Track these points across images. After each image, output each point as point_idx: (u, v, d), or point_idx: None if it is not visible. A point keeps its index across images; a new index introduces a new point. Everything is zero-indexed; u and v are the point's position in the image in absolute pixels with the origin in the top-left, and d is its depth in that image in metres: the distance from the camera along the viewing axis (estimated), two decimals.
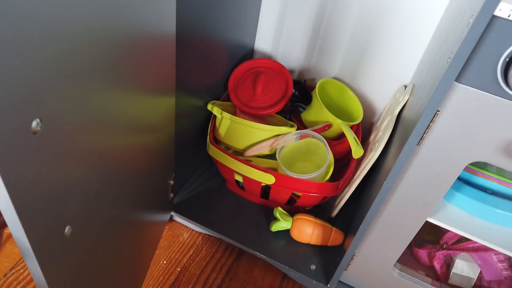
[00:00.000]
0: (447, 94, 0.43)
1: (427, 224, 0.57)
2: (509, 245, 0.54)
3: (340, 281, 0.73)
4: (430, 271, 0.72)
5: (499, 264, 0.67)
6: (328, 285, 0.70)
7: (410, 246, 0.74)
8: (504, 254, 0.65)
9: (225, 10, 0.69)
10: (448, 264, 0.71)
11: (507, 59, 0.39)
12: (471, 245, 0.68)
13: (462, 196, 0.57)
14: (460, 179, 0.58)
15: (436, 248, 0.71)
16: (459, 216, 0.57)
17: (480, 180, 0.57)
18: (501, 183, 0.56)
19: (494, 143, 0.44)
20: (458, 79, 0.42)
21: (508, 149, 0.44)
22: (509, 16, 0.36)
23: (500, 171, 0.57)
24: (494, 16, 0.36)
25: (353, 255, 0.64)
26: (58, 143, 0.32)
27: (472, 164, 0.57)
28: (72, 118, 0.34)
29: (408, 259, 0.73)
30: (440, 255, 0.71)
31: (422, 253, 0.72)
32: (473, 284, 0.70)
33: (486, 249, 0.66)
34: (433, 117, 0.44)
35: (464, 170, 0.55)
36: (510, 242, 0.54)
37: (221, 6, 0.67)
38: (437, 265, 0.71)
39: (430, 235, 0.73)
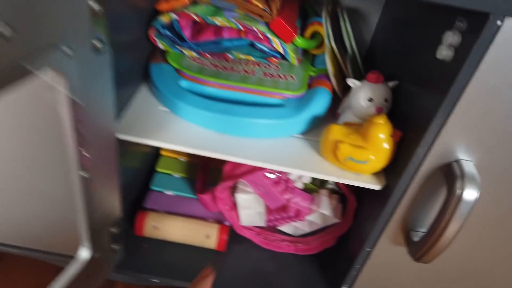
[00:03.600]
0: None
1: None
2: (257, 156, 0.48)
3: None
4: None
5: (276, 188, 0.59)
6: None
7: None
8: (272, 177, 0.59)
9: None
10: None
11: None
12: (238, 171, 0.58)
13: (188, 108, 0.50)
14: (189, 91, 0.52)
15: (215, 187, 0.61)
16: (188, 133, 0.50)
17: (204, 89, 0.53)
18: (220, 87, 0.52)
19: None
20: None
21: None
22: None
23: (217, 75, 0.53)
24: None
25: None
26: None
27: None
28: None
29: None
30: (220, 194, 0.61)
31: (206, 198, 0.62)
32: (264, 218, 0.63)
33: (251, 170, 0.57)
34: None
35: (185, 78, 0.53)
36: (257, 153, 0.49)
37: None
38: (223, 207, 0.62)
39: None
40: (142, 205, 0.64)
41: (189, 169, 0.70)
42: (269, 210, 0.62)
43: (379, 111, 0.49)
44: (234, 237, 0.64)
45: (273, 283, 0.61)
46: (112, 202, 0.50)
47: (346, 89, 0.55)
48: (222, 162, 0.72)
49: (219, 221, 0.63)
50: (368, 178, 0.49)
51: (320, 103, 0.51)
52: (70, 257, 0.49)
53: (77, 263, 0.48)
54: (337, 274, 0.60)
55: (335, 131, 0.47)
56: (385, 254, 0.53)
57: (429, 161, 0.44)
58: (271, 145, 0.50)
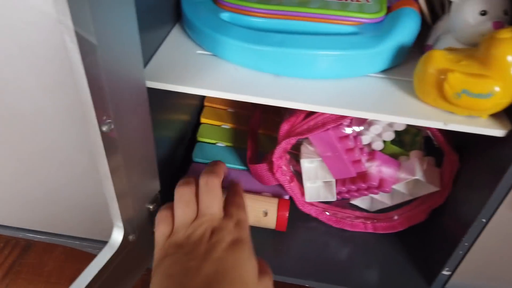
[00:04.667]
0: None
1: None
2: (327, 100, 0.36)
3: None
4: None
5: (349, 156, 0.46)
6: None
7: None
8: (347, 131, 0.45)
9: None
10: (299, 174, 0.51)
11: None
12: (305, 126, 0.44)
13: (233, 43, 0.38)
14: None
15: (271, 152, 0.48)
16: (235, 77, 0.38)
17: (251, 21, 0.40)
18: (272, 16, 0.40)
19: None
20: None
21: None
22: None
23: (266, 1, 0.41)
24: None
25: None
26: None
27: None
28: None
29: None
30: (279, 160, 0.48)
31: (261, 168, 0.50)
32: (334, 191, 0.50)
33: (323, 123, 0.43)
34: None
35: (226, 9, 0.41)
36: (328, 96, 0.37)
37: None
38: (282, 177, 0.50)
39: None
40: None
41: (235, 137, 0.59)
42: (341, 180, 0.49)
43: (497, 27, 0.35)
44: (296, 214, 0.53)
45: (347, 269, 0.49)
46: (148, 172, 0.40)
47: (435, 18, 0.42)
48: (274, 128, 0.60)
49: (277, 195, 0.52)
50: (485, 122, 0.35)
51: (406, 27, 0.38)
52: (107, 243, 0.40)
53: (110, 247, 0.39)
54: (433, 255, 0.47)
55: (439, 58, 0.34)
56: (509, 225, 0.39)
57: None
58: (344, 87, 0.38)
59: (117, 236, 0.39)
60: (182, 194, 0.36)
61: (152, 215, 0.43)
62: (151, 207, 0.42)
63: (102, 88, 0.30)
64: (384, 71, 0.40)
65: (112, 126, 0.32)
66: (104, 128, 0.31)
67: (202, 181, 0.35)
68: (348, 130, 0.45)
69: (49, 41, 0.32)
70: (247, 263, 0.30)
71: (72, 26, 0.25)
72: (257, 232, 0.51)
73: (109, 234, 0.40)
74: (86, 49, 0.27)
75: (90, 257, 0.57)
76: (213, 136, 0.59)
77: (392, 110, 0.35)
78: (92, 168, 0.42)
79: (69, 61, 0.27)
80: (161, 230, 0.35)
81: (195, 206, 0.35)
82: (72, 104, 0.35)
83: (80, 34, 0.26)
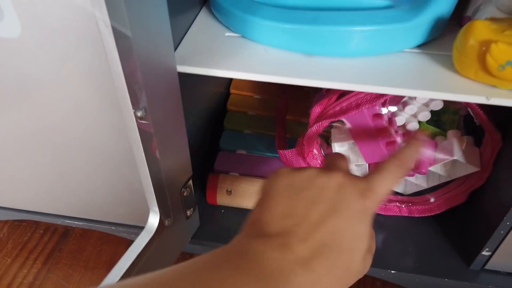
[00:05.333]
0: None
1: None
2: (362, 77, 0.35)
3: None
4: None
5: (382, 138, 0.44)
6: None
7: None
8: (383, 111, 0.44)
9: None
10: None
11: None
12: (338, 108, 0.43)
13: (264, 23, 0.37)
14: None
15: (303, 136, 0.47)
16: (266, 58, 0.37)
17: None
18: None
19: None
20: None
21: None
22: None
23: None
24: None
25: None
26: None
27: None
28: None
29: None
30: (311, 144, 0.47)
31: (291, 154, 0.49)
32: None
33: (357, 104, 0.41)
34: None
35: None
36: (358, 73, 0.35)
37: None
38: (312, 161, 0.49)
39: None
40: (212, 169, 0.54)
41: (262, 124, 0.59)
42: (373, 164, 0.48)
43: None
44: None
45: (383, 251, 0.48)
46: (181, 156, 0.40)
47: None
48: (302, 114, 0.59)
49: None
50: None
51: None
52: (142, 228, 0.41)
53: (147, 232, 0.40)
54: (471, 236, 0.46)
55: (481, 28, 0.32)
56: None
57: None
58: (379, 64, 0.36)
59: (154, 220, 0.39)
60: None
61: (185, 200, 0.43)
62: (184, 192, 0.43)
63: (136, 75, 0.30)
64: (420, 46, 0.38)
65: (147, 112, 0.32)
66: (139, 115, 0.31)
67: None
68: (383, 111, 0.44)
69: (84, 35, 0.32)
70: (363, 240, 0.26)
71: (109, 21, 0.26)
72: None
73: (143, 219, 0.40)
74: (121, 41, 0.27)
75: (126, 242, 0.58)
76: (240, 123, 0.59)
77: (431, 86, 0.34)
78: (127, 156, 0.43)
79: (105, 53, 0.28)
80: None
81: None
82: (107, 92, 0.36)
83: (116, 28, 0.26)
